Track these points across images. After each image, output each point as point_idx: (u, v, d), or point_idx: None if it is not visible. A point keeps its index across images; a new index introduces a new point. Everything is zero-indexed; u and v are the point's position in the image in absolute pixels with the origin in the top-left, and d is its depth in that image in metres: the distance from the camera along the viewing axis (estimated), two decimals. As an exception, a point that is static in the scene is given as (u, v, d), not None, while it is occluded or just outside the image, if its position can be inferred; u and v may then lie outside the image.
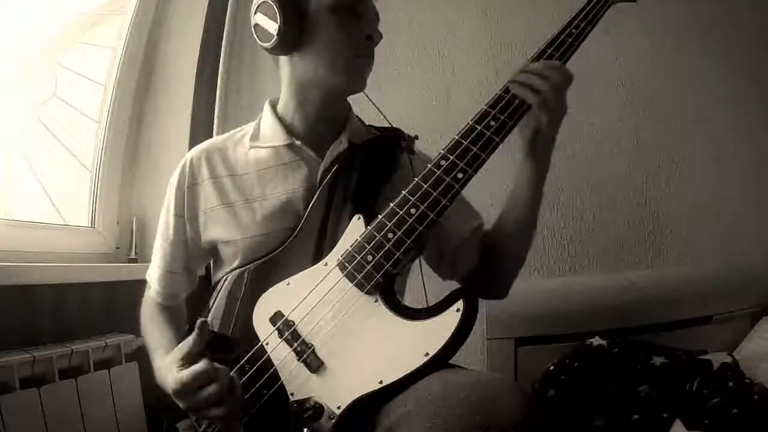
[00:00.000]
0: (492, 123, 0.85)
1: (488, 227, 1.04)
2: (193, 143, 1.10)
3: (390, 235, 0.83)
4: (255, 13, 0.96)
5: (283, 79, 1.03)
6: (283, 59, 1.01)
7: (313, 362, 0.82)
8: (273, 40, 0.94)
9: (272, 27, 0.94)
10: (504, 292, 1.05)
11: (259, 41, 0.97)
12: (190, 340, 0.83)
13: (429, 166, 0.85)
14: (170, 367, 0.84)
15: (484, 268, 1.02)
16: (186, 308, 1.11)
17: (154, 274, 1.08)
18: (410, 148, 1.01)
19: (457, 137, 0.86)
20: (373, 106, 1.04)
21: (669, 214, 1.79)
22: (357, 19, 0.95)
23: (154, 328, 1.03)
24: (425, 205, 0.83)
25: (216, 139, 1.10)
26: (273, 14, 0.93)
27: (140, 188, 1.77)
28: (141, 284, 1.11)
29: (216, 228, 1.00)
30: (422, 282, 1.04)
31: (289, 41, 0.95)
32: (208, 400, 0.79)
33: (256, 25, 0.97)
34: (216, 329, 0.96)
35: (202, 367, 0.79)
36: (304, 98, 1.01)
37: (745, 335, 1.58)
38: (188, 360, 0.81)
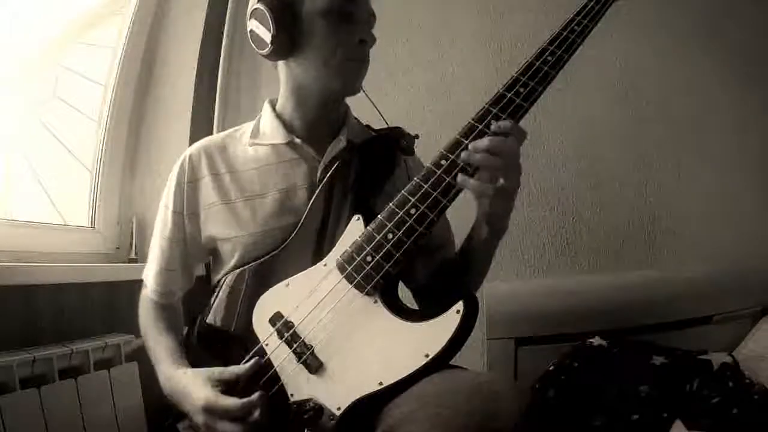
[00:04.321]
0: (492, 122, 0.85)
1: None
2: (193, 143, 1.09)
3: (389, 236, 0.83)
4: (249, 18, 0.97)
5: (281, 80, 1.04)
6: (280, 63, 1.01)
7: (312, 363, 0.82)
8: (267, 48, 0.95)
9: (266, 35, 0.94)
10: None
11: (255, 47, 0.98)
12: (240, 369, 0.85)
13: (429, 165, 0.85)
14: (195, 380, 0.86)
15: (435, 287, 1.03)
16: (184, 308, 1.11)
17: (150, 271, 1.07)
18: (409, 148, 1.01)
19: (457, 136, 0.86)
20: (373, 106, 1.04)
21: (669, 215, 1.79)
22: (349, 23, 0.95)
23: (156, 334, 1.02)
24: (425, 205, 0.83)
25: (215, 137, 1.10)
26: (266, 22, 0.94)
27: (140, 188, 1.76)
28: (141, 284, 1.11)
29: (215, 225, 1.00)
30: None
31: (284, 48, 0.96)
32: None
33: (251, 31, 0.97)
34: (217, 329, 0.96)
35: (244, 403, 0.81)
36: (302, 99, 1.02)
37: (745, 335, 1.58)
38: (227, 385, 0.84)
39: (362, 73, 0.99)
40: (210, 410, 0.83)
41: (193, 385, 0.87)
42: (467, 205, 0.91)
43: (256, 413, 0.81)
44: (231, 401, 0.82)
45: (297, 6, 0.95)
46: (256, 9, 0.95)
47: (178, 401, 0.89)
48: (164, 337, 1.00)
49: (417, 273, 1.03)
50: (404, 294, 1.05)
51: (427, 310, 0.82)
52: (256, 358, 0.86)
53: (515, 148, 0.82)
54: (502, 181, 0.82)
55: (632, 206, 1.80)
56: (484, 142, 0.81)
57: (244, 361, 0.87)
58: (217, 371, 0.86)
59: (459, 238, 1.04)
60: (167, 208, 1.04)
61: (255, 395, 0.81)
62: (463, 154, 0.82)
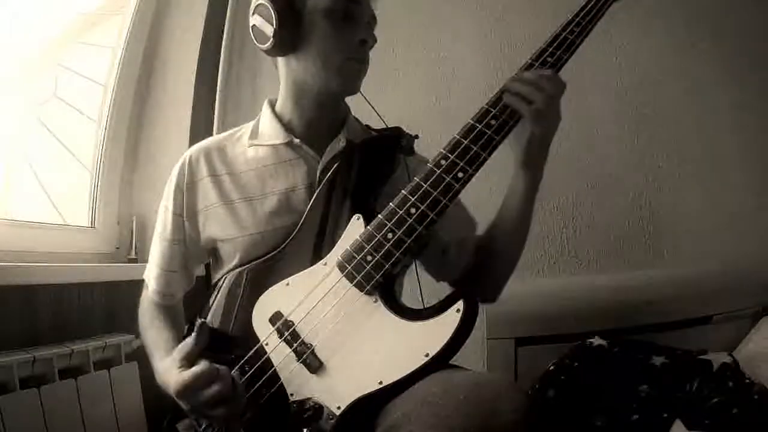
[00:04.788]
0: (492, 122, 0.85)
1: (480, 232, 1.05)
2: (193, 143, 1.10)
3: (389, 235, 0.83)
4: (252, 14, 0.98)
5: (281, 78, 1.04)
6: (281, 60, 1.02)
7: (312, 362, 0.82)
8: (269, 43, 0.96)
9: (268, 29, 0.95)
10: (494, 296, 1.05)
11: (256, 42, 0.99)
12: (189, 341, 0.84)
13: (429, 165, 0.86)
14: (171, 369, 0.85)
15: (475, 271, 1.02)
16: (184, 308, 1.11)
17: (151, 273, 1.08)
18: (409, 148, 1.01)
19: (457, 136, 0.86)
20: (371, 107, 1.04)
21: (669, 214, 1.79)
22: (351, 23, 0.96)
23: (153, 330, 1.02)
24: (425, 204, 0.83)
25: (214, 138, 1.10)
26: (269, 17, 0.94)
27: (140, 188, 1.77)
28: (141, 284, 1.11)
29: (215, 226, 1.00)
30: (418, 283, 1.04)
31: (285, 44, 0.96)
32: (210, 401, 0.80)
33: (254, 26, 0.98)
34: (216, 329, 0.96)
35: (202, 368, 0.80)
36: (301, 98, 1.02)
37: (745, 335, 1.58)
38: (188, 361, 0.83)
39: (362, 73, 1.00)
40: (183, 390, 0.80)
41: (168, 374, 0.86)
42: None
43: (218, 377, 0.80)
44: (196, 368, 0.80)
45: (300, 3, 0.95)
46: (260, 4, 0.95)
47: (169, 393, 0.89)
48: (162, 333, 1.00)
49: (455, 266, 1.02)
50: (406, 294, 1.06)
51: (427, 310, 0.82)
52: (201, 320, 0.85)
53: (557, 92, 0.85)
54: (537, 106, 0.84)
55: (632, 206, 1.80)
56: (530, 75, 0.85)
57: (243, 360, 0.87)
58: (176, 350, 0.85)
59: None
60: (167, 210, 1.05)
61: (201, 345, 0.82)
62: (508, 83, 0.86)
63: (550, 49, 0.88)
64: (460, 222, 1.03)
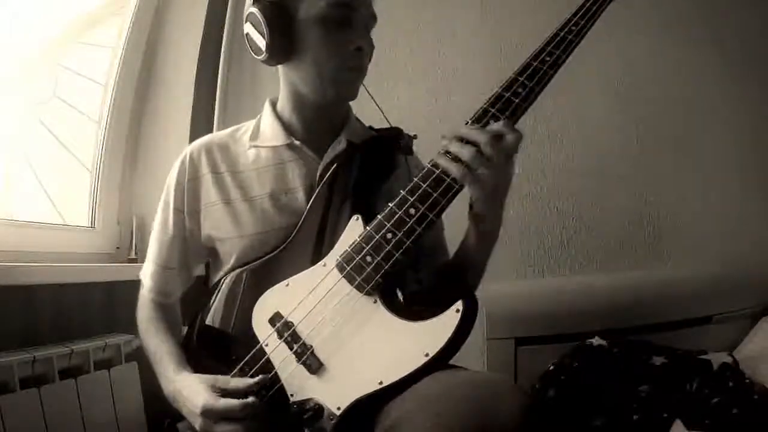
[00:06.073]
0: (491, 122, 0.85)
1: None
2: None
3: (389, 236, 0.83)
4: (245, 21, 0.97)
5: (281, 81, 1.04)
6: (279, 66, 1.01)
7: (312, 363, 0.82)
8: (263, 55, 0.95)
9: (260, 40, 0.94)
10: None
11: (251, 52, 0.98)
12: (243, 383, 0.84)
13: (428, 165, 0.85)
14: (196, 386, 0.86)
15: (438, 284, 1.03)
16: (183, 308, 1.11)
17: (148, 270, 1.07)
18: (409, 148, 1.01)
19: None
20: (374, 105, 1.04)
21: (669, 214, 1.79)
22: (345, 30, 0.94)
23: (155, 335, 1.01)
24: (425, 205, 0.82)
25: (216, 135, 1.09)
26: (260, 28, 0.93)
27: (140, 188, 1.77)
28: (141, 284, 1.11)
29: (215, 224, 1.00)
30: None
31: (279, 53, 0.95)
32: None
33: (247, 35, 0.97)
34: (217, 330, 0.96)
35: (243, 405, 0.81)
36: (300, 103, 1.02)
37: (745, 335, 1.58)
38: (224, 393, 0.84)
39: (358, 81, 0.98)
40: (208, 413, 0.82)
41: (193, 391, 0.86)
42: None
43: (255, 413, 0.81)
44: (230, 402, 0.82)
45: (292, 11, 0.93)
46: (251, 13, 0.94)
47: (178, 405, 0.89)
48: (165, 340, 0.99)
49: (411, 277, 1.02)
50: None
51: (427, 310, 0.82)
52: (263, 376, 0.85)
53: (495, 148, 0.79)
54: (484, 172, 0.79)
55: (632, 206, 1.80)
56: (467, 131, 0.80)
57: (243, 361, 0.87)
58: (221, 380, 0.86)
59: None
60: (168, 206, 1.04)
61: (251, 391, 0.82)
62: (444, 141, 0.82)
63: (549, 49, 0.88)
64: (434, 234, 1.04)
